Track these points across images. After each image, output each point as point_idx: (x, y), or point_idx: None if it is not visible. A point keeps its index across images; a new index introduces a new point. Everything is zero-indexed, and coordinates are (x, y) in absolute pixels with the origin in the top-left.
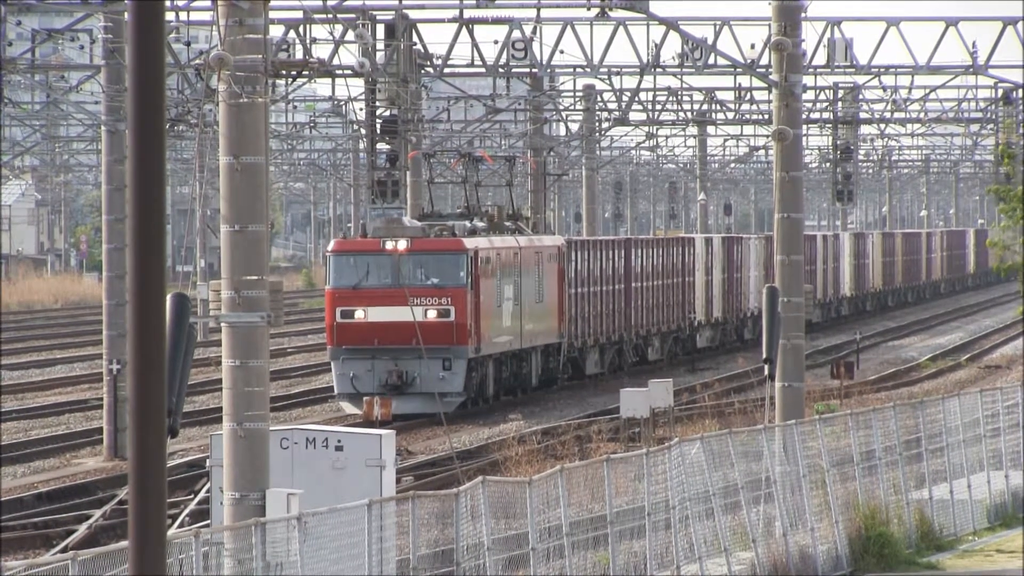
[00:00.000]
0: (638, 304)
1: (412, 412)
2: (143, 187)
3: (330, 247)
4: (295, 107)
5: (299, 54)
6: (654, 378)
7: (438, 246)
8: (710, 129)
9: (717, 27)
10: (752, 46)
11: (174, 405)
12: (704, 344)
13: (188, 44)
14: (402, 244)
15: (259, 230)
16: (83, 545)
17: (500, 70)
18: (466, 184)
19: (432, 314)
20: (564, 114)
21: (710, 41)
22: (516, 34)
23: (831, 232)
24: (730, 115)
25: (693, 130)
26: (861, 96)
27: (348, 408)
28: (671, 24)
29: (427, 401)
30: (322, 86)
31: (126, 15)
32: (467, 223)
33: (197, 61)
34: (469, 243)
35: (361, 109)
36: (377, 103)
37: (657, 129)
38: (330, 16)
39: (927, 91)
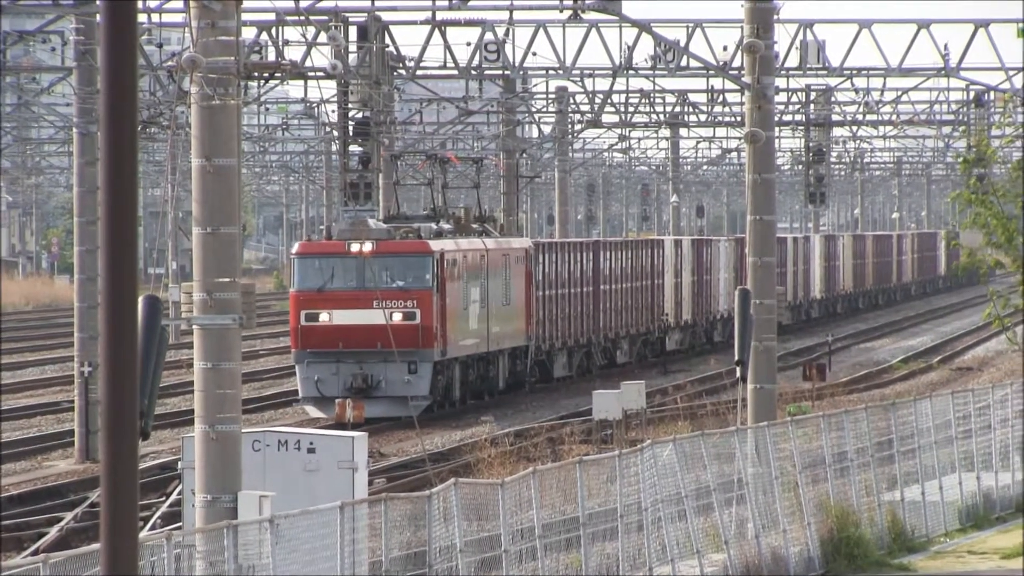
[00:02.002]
0: (607, 306)
1: (377, 416)
2: (115, 189)
3: (294, 249)
4: (267, 109)
5: (271, 56)
6: (623, 381)
7: (403, 248)
8: (683, 131)
9: (690, 29)
10: (724, 48)
11: (146, 407)
12: (673, 347)
13: (160, 46)
14: (367, 246)
15: (231, 232)
16: (54, 548)
17: (473, 72)
18: (432, 186)
19: (397, 317)
20: (537, 116)
21: (683, 43)
22: (488, 36)
23: (802, 234)
24: (703, 117)
25: (666, 132)
26: (833, 98)
27: (313, 412)
28: (643, 26)
29: (393, 404)
30: (294, 88)
31: (98, 17)
32: (433, 225)
33: (169, 63)
34: (435, 245)
35: (333, 111)
36: (349, 105)
37: (630, 131)
38: (302, 18)
39: (899, 93)
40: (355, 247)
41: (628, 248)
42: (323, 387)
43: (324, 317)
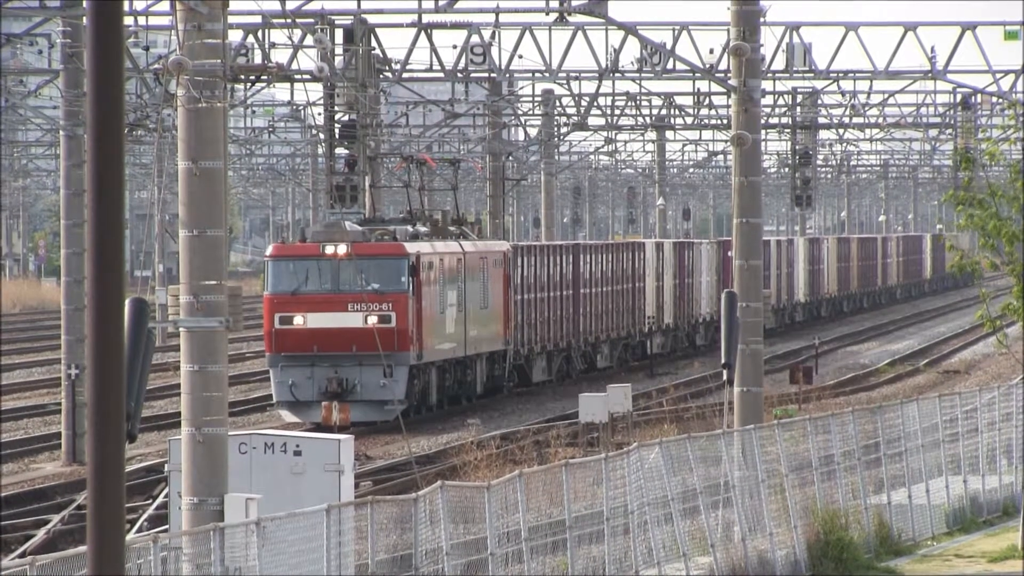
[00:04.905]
0: (587, 310)
1: (352, 420)
2: (102, 192)
3: (268, 252)
4: (254, 112)
5: (258, 59)
6: (605, 384)
7: (378, 251)
8: (669, 134)
9: (676, 32)
10: (711, 51)
11: (132, 410)
12: (655, 350)
13: (147, 48)
14: (342, 249)
15: (217, 235)
16: (41, 550)
17: (459, 75)
18: (408, 188)
19: (373, 320)
20: (523, 119)
21: (669, 46)
22: (475, 39)
23: (785, 237)
24: (689, 120)
25: (652, 135)
26: (820, 101)
27: (287, 416)
28: (630, 29)
29: (368, 409)
30: (281, 91)
31: (85, 19)
32: (409, 228)
33: (156, 65)
34: (410, 248)
35: (320, 114)
36: (336, 108)
37: (616, 134)
38: (289, 21)
39: (886, 96)
40: (329, 249)
41: (608, 251)
42: (297, 391)
43: (298, 320)
